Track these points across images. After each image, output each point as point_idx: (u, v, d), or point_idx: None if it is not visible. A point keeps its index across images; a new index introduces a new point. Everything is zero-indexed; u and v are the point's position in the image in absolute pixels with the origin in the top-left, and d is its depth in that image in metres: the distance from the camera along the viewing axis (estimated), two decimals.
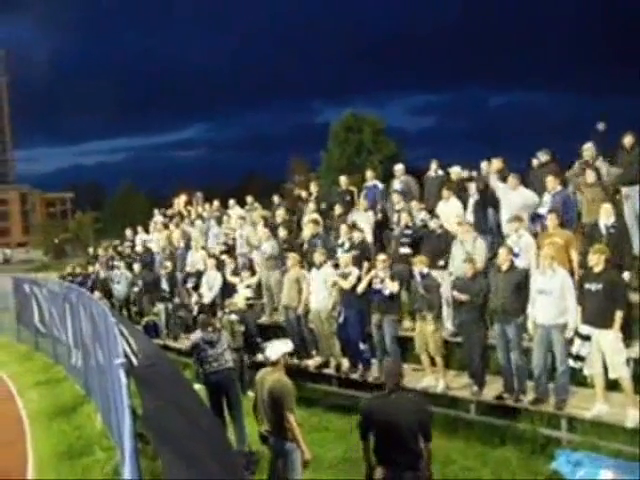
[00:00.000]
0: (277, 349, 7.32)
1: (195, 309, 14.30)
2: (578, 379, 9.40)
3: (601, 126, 12.26)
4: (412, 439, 5.88)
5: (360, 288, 11.07)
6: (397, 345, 10.73)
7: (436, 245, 11.47)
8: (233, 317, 12.29)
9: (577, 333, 8.69)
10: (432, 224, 11.78)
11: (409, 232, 12.19)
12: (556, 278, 8.90)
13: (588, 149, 11.69)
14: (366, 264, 11.80)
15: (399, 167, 14.97)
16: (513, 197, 11.42)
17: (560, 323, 8.82)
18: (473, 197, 12.36)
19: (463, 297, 9.64)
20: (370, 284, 10.93)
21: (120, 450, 7.69)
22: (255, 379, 7.55)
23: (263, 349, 11.99)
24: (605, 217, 9.78)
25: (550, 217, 10.22)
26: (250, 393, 12.34)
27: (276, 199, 17.30)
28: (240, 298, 13.13)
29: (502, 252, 9.57)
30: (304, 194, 16.32)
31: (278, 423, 7.03)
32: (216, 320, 10.39)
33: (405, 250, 11.97)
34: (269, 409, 7.07)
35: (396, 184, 14.57)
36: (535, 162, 12.79)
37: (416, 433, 5.89)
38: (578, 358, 8.72)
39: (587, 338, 8.50)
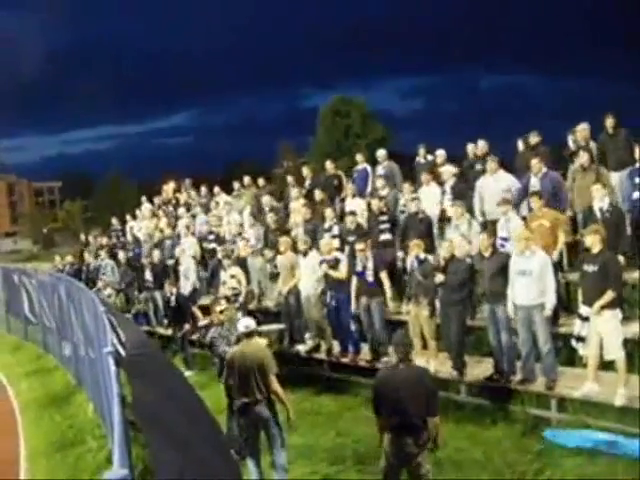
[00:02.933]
0: (248, 321, 7.80)
1: (172, 300, 14.23)
2: (567, 359, 9.48)
3: (533, 139, 12.10)
4: (416, 407, 6.19)
5: (341, 275, 11.19)
6: (386, 329, 10.76)
7: (418, 229, 11.44)
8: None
9: (578, 314, 8.74)
10: (413, 207, 11.75)
11: (384, 218, 12.20)
12: (534, 259, 8.94)
13: (582, 130, 11.54)
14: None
15: (382, 153, 14.84)
16: (492, 181, 11.37)
17: (540, 303, 8.88)
18: (449, 182, 12.29)
19: (441, 278, 9.69)
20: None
21: (112, 439, 7.68)
22: (232, 356, 7.69)
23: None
24: (599, 200, 9.76)
25: (533, 200, 10.20)
26: None
27: (261, 182, 17.21)
28: (227, 287, 13.12)
29: (483, 238, 9.57)
30: (290, 179, 16.25)
31: (264, 389, 7.31)
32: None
33: (385, 236, 12.00)
34: (255, 376, 7.29)
35: (379, 169, 14.52)
36: (520, 145, 12.70)
37: (421, 403, 6.22)
38: (580, 339, 8.77)
39: (587, 319, 8.53)
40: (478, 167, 12.44)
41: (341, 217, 13.18)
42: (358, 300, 10.96)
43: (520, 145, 12.64)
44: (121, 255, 17.77)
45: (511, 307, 9.16)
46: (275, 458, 7.50)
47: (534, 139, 12.12)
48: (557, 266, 9.82)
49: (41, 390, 13.97)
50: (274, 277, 13.67)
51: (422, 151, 14.31)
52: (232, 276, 13.20)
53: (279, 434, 7.47)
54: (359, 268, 10.86)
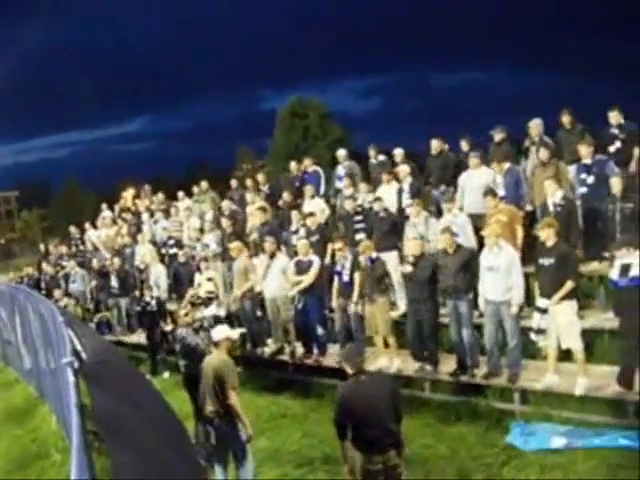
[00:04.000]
0: (220, 331, 7.64)
1: (153, 304, 14.09)
2: (529, 352, 9.61)
3: (498, 135, 12.16)
4: (389, 418, 5.88)
5: (309, 279, 11.19)
6: (363, 329, 10.80)
7: (381, 228, 11.54)
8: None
9: (536, 307, 8.87)
10: (376, 207, 11.81)
11: (360, 218, 12.24)
12: (502, 255, 9.04)
13: (535, 126, 11.66)
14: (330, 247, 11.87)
15: (342, 153, 14.86)
16: (475, 177, 11.45)
17: (508, 299, 8.97)
18: (406, 180, 12.38)
19: (409, 268, 9.73)
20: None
21: None
22: (203, 365, 7.64)
23: None
24: (551, 194, 9.94)
25: (487, 199, 10.36)
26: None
27: (234, 183, 17.06)
28: (202, 290, 13.02)
29: (445, 237, 9.61)
30: (249, 183, 16.21)
31: (223, 403, 7.20)
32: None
33: (360, 236, 12.01)
34: (215, 389, 7.22)
35: (340, 170, 14.57)
36: (464, 144, 12.69)
37: (391, 410, 5.90)
38: (540, 332, 8.90)
39: (545, 311, 8.65)
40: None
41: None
42: (337, 300, 10.98)
43: (463, 144, 12.64)
44: (95, 262, 17.53)
45: (482, 302, 9.26)
46: (238, 472, 7.39)
47: (498, 135, 12.20)
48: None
49: (2, 404, 13.71)
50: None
51: (372, 152, 14.36)
52: (209, 279, 13.14)
53: (240, 448, 7.31)
54: (338, 268, 10.89)
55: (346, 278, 10.74)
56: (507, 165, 11.18)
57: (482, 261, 9.26)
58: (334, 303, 11.07)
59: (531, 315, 9.12)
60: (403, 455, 6.00)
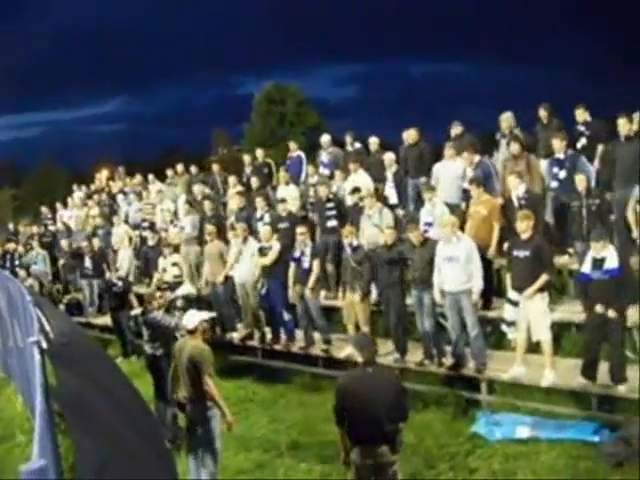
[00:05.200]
0: (194, 317, 7.46)
1: (120, 284, 13.99)
2: (496, 343, 9.71)
3: (455, 129, 12.25)
4: (389, 413, 5.73)
5: (267, 261, 11.22)
6: (323, 316, 10.85)
7: (356, 218, 11.53)
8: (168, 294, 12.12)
9: (507, 299, 8.95)
10: (353, 198, 11.83)
11: (332, 205, 12.24)
12: (461, 245, 9.10)
13: (506, 119, 11.64)
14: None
15: (326, 138, 14.67)
16: (449, 168, 11.48)
17: (468, 288, 9.04)
18: (391, 168, 12.41)
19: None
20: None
21: None
22: (175, 347, 7.61)
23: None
24: (514, 188, 10.00)
25: (472, 187, 10.39)
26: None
27: (194, 170, 16.97)
28: (168, 275, 12.95)
29: (414, 235, 9.64)
30: (227, 166, 16.11)
31: (198, 389, 7.10)
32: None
33: (332, 223, 12.03)
34: (189, 375, 7.14)
35: (323, 156, 14.49)
36: (453, 133, 12.77)
37: (393, 408, 5.76)
38: (510, 324, 9.01)
39: (516, 304, 8.73)
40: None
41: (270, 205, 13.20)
42: (294, 287, 10.98)
43: (454, 129, 12.58)
44: (64, 243, 17.33)
45: (438, 293, 9.29)
46: (204, 458, 7.23)
47: (457, 128, 12.24)
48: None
49: None
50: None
51: (349, 139, 14.31)
52: (174, 264, 13.05)
53: (206, 438, 7.17)
54: (297, 254, 10.88)
55: (306, 265, 10.75)
56: (477, 158, 11.21)
57: (438, 252, 9.28)
58: (290, 290, 11.07)
59: (502, 307, 9.21)
60: (398, 454, 5.89)
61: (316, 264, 10.70)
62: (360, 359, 6.00)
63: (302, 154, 14.95)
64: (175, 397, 7.52)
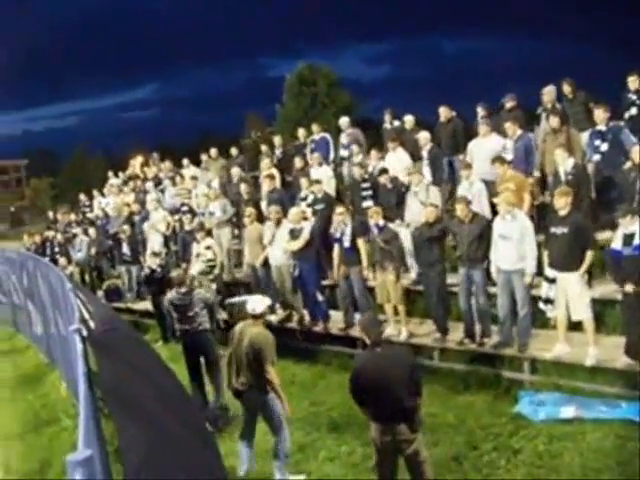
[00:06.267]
0: (261, 302, 7.35)
1: (159, 271, 14.09)
2: (540, 322, 9.56)
3: (509, 103, 11.97)
4: (404, 391, 5.74)
5: (296, 246, 11.15)
6: (367, 296, 10.77)
7: (388, 198, 11.42)
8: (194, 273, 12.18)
9: (544, 277, 8.79)
10: (382, 180, 11.70)
11: (367, 185, 12.13)
12: (515, 223, 8.92)
13: (548, 92, 11.41)
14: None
15: (345, 120, 14.74)
16: (484, 144, 11.31)
17: (520, 268, 8.87)
18: (426, 147, 12.27)
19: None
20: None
21: None
22: (232, 332, 7.49)
23: (230, 306, 12.10)
24: (562, 163, 9.78)
25: (496, 164, 10.24)
26: None
27: (234, 151, 16.97)
28: (201, 260, 13.00)
29: (460, 207, 9.47)
30: (264, 148, 16.08)
31: (258, 376, 7.06)
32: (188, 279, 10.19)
33: (367, 203, 11.90)
34: (249, 362, 7.07)
35: (343, 138, 14.44)
36: (480, 110, 12.44)
37: (407, 385, 5.78)
38: (548, 301, 8.84)
39: (553, 281, 8.58)
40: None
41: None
42: (339, 268, 10.92)
43: (480, 110, 12.47)
44: (91, 231, 17.52)
45: (494, 270, 9.17)
46: (277, 446, 7.24)
47: (510, 103, 12.00)
48: None
49: (13, 370, 13.83)
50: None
51: (388, 117, 14.21)
52: (207, 247, 13.08)
53: (276, 418, 7.18)
54: (337, 235, 10.82)
55: (347, 244, 10.67)
56: (519, 132, 11.03)
57: (495, 229, 9.15)
58: (335, 270, 11.01)
59: (540, 284, 9.06)
60: (419, 432, 5.89)
61: (362, 243, 10.60)
62: (368, 340, 6.01)
63: (327, 136, 14.83)
64: (231, 383, 7.47)
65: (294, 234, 11.30)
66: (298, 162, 14.06)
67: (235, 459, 7.45)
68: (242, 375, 7.19)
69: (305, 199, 12.62)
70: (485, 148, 11.21)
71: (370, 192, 12.00)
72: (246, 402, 7.37)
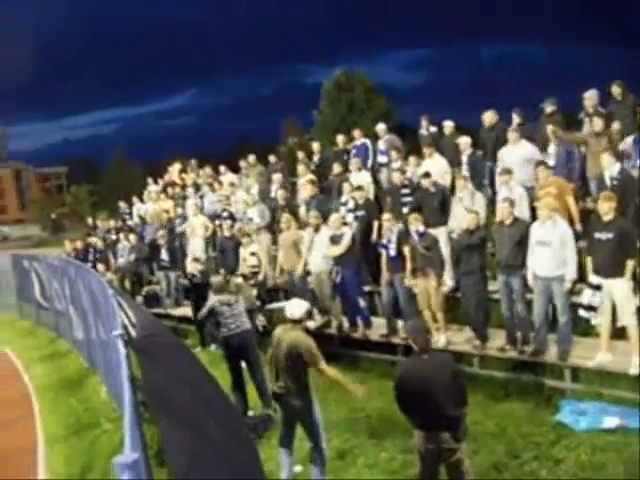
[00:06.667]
0: (299, 307, 7.31)
1: (199, 276, 14.21)
2: (581, 329, 9.42)
3: (549, 107, 11.89)
4: (448, 399, 5.74)
5: (337, 251, 11.11)
6: (411, 303, 10.73)
7: (431, 202, 11.37)
8: (240, 280, 12.25)
9: (587, 283, 8.67)
10: (425, 183, 11.65)
11: (407, 191, 12.10)
12: (556, 229, 8.81)
13: (590, 97, 11.30)
14: (376, 223, 11.77)
15: (381, 127, 14.77)
16: (514, 151, 11.24)
17: (560, 274, 8.76)
18: (466, 152, 12.20)
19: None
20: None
21: None
22: (272, 336, 7.47)
23: (269, 312, 12.16)
24: (608, 167, 9.64)
25: (539, 169, 10.15)
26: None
27: (272, 159, 17.05)
28: (246, 265, 13.10)
29: (504, 206, 9.45)
30: (301, 155, 16.15)
31: (296, 380, 7.03)
32: (230, 284, 10.27)
33: (407, 210, 11.85)
34: (287, 366, 7.04)
35: (380, 144, 14.42)
36: (515, 117, 12.39)
37: (452, 393, 5.77)
38: (590, 308, 8.70)
39: (597, 288, 8.45)
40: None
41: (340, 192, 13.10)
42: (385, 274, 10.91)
43: (515, 117, 12.37)
44: (131, 237, 17.73)
45: (531, 276, 9.06)
46: (311, 452, 7.24)
47: (550, 107, 11.91)
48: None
49: (55, 374, 14.03)
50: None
51: (424, 122, 14.22)
52: (252, 254, 13.15)
53: (314, 425, 7.16)
54: (384, 241, 10.82)
55: (392, 252, 10.64)
56: (561, 134, 10.92)
57: (532, 235, 9.04)
58: (383, 277, 10.99)
59: (582, 291, 8.93)
60: (463, 441, 5.87)
61: (407, 250, 10.57)
62: (415, 346, 5.99)
63: (367, 141, 14.83)
64: (271, 387, 7.47)
65: (334, 240, 11.30)
66: (336, 167, 14.06)
67: (274, 464, 7.45)
68: (280, 379, 7.16)
69: (345, 204, 12.63)
70: (516, 154, 11.15)
71: (410, 198, 11.96)
72: (285, 406, 7.34)
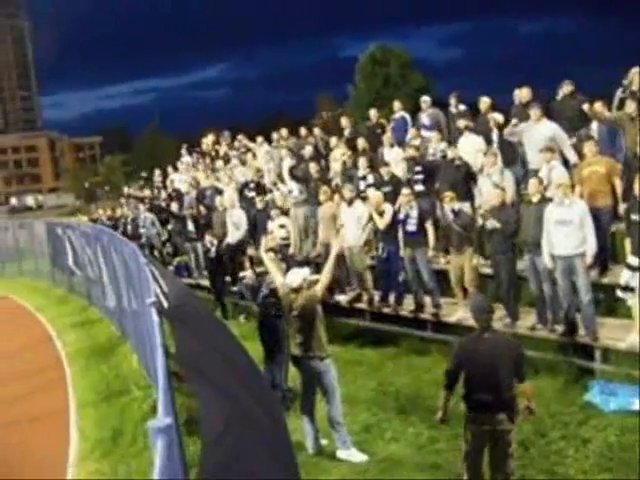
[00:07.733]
0: (297, 275, 7.46)
1: (212, 250, 14.27)
2: (610, 310, 9.32)
3: (567, 88, 11.59)
4: (508, 379, 5.66)
5: (383, 223, 11.02)
6: (433, 278, 10.71)
7: (454, 175, 11.25)
8: (271, 255, 12.28)
9: (627, 264, 8.56)
10: (450, 153, 11.50)
11: (419, 169, 12.01)
12: (575, 207, 8.74)
13: (635, 74, 10.85)
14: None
15: (426, 99, 14.36)
16: (537, 129, 10.97)
17: (581, 251, 8.69)
18: (496, 130, 12.00)
19: (496, 224, 9.47)
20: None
21: (156, 389, 7.83)
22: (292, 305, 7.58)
23: None
24: None
25: (587, 145, 9.89)
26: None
27: (303, 132, 17.01)
28: (276, 237, 13.10)
29: (533, 183, 9.35)
30: (333, 127, 16.06)
31: (310, 338, 7.23)
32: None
33: (419, 187, 11.81)
34: (301, 325, 7.26)
35: (423, 117, 14.17)
36: (560, 93, 12.11)
37: (511, 373, 5.69)
38: (627, 289, 8.60)
39: (636, 269, 8.34)
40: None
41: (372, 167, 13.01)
42: (405, 250, 10.89)
43: (565, 88, 12.06)
44: (174, 206, 17.84)
45: (548, 258, 8.98)
46: (330, 413, 7.37)
47: (567, 88, 11.66)
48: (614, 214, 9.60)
49: (87, 341, 14.24)
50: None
51: (453, 100, 13.96)
52: (281, 226, 13.13)
53: (329, 385, 7.32)
54: (401, 216, 10.77)
55: (412, 227, 10.58)
56: (607, 113, 10.62)
57: (549, 215, 8.91)
58: (402, 252, 10.96)
59: (616, 272, 8.82)
60: (516, 422, 5.82)
61: (429, 225, 10.52)
62: (478, 324, 5.89)
63: (406, 115, 14.67)
64: (291, 353, 7.65)
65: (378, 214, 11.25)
66: (361, 142, 13.90)
67: (300, 435, 7.53)
68: (305, 345, 7.31)
69: (364, 179, 12.60)
70: (537, 135, 10.82)
71: (421, 176, 11.90)
72: (303, 369, 7.48)
